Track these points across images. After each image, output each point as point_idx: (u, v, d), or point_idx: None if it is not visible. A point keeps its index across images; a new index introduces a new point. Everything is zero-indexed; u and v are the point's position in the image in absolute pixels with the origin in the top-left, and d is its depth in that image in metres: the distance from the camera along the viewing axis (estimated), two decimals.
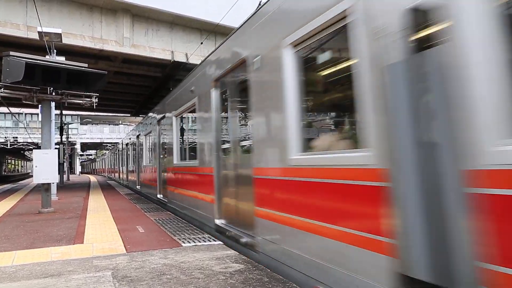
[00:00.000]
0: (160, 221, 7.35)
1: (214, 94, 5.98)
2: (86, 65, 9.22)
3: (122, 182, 22.18)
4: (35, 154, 9.11)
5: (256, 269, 3.84)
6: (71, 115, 62.43)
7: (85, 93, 9.51)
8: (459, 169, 1.97)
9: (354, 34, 2.78)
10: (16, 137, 58.40)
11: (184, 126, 8.96)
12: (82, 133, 69.65)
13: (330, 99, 3.78)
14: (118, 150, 26.51)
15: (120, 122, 73.10)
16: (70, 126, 43.38)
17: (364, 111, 2.68)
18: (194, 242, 5.31)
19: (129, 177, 19.70)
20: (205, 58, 6.58)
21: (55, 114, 16.87)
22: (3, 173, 72.61)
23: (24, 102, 9.28)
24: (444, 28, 2.07)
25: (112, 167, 31.67)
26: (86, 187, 20.70)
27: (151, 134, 12.43)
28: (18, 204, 11.38)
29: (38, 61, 8.36)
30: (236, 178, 5.28)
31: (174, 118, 8.95)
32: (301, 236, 3.43)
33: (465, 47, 1.95)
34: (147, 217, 7.99)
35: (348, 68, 2.98)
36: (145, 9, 19.49)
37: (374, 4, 2.60)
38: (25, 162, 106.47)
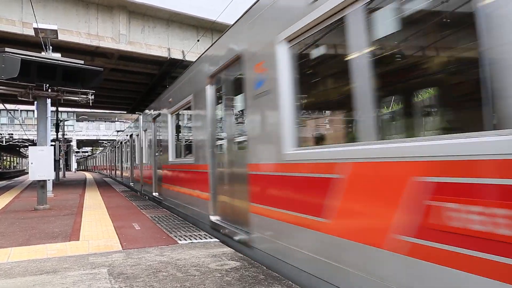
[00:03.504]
0: (156, 219, 7.36)
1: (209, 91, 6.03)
2: (82, 61, 9.20)
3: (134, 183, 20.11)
4: (31, 151, 9.08)
5: (252, 267, 3.86)
6: (67, 112, 62.13)
7: (81, 90, 9.48)
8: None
9: None
10: (12, 134, 58.13)
11: (179, 123, 8.92)
12: (78, 130, 69.45)
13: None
14: (115, 147, 26.03)
15: (117, 119, 72.83)
16: (66, 123, 43.18)
17: None
18: (190, 240, 5.32)
19: (124, 174, 19.43)
20: (200, 55, 6.57)
21: (51, 111, 16.80)
22: None
23: (20, 98, 9.24)
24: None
25: (111, 164, 30.90)
26: (82, 184, 20.64)
27: (148, 131, 12.35)
28: (13, 201, 11.34)
29: (34, 58, 8.32)
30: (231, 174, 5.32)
31: (169, 116, 8.91)
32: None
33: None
34: (143, 214, 8.00)
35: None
36: (142, 6, 19.42)
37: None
38: (20, 159, 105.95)
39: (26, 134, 53.14)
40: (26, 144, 55.75)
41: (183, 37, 21.21)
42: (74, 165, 67.04)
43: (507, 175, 1.78)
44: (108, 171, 32.72)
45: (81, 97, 9.64)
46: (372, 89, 2.69)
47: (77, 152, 77.59)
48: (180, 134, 8.86)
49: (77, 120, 65.73)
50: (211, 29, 21.27)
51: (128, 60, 21.38)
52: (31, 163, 8.91)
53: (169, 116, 8.90)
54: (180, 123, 8.91)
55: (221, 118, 5.94)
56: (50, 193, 12.20)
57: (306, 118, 4.13)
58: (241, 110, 5.11)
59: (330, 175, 3.00)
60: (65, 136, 39.14)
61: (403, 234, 2.33)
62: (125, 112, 41.28)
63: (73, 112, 64.69)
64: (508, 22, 1.83)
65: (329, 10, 3.02)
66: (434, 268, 2.12)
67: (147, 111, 12.60)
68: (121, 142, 20.82)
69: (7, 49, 7.79)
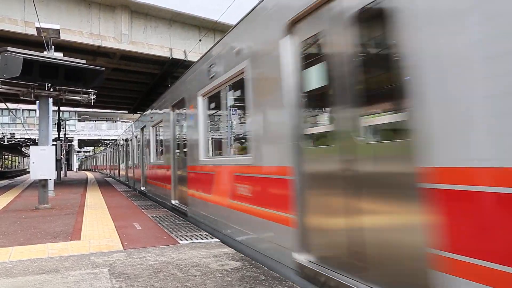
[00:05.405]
0: (157, 218, 7.36)
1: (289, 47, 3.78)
2: (84, 61, 9.23)
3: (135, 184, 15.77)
4: (33, 150, 9.09)
5: (253, 267, 3.85)
6: (69, 111, 62.19)
7: (83, 90, 9.49)
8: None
9: None
10: (13, 133, 58.22)
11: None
12: (79, 129, 69.51)
13: None
14: (119, 145, 24.01)
15: (118, 119, 72.96)
16: (67, 122, 43.22)
17: None
18: (191, 240, 5.31)
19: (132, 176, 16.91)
20: None
21: (53, 110, 16.80)
22: (0, 169, 72.35)
23: (22, 98, 9.27)
24: None
25: (115, 164, 27.38)
26: (83, 183, 20.66)
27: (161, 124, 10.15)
28: (15, 200, 11.35)
29: (36, 57, 8.34)
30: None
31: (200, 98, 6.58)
32: None
33: None
34: (144, 214, 8.00)
35: None
36: (144, 6, 19.46)
37: None
38: (22, 158, 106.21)
39: (27, 134, 53.16)
40: (28, 143, 55.80)
41: (185, 37, 21.25)
42: (75, 165, 67.17)
43: None
44: (125, 172, 21.54)
45: (83, 97, 9.65)
46: None
47: (78, 151, 77.73)
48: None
49: (79, 120, 65.85)
50: (213, 29, 21.31)
51: (129, 60, 21.42)
52: (33, 163, 8.93)
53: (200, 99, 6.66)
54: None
55: (316, 90, 3.54)
56: (51, 193, 12.20)
57: None
58: (380, 70, 2.96)
59: None
60: (67, 136, 39.18)
61: None
62: (127, 112, 41.33)
63: (75, 111, 64.73)
64: None
65: None
66: None
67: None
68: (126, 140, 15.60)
69: (9, 49, 7.82)
